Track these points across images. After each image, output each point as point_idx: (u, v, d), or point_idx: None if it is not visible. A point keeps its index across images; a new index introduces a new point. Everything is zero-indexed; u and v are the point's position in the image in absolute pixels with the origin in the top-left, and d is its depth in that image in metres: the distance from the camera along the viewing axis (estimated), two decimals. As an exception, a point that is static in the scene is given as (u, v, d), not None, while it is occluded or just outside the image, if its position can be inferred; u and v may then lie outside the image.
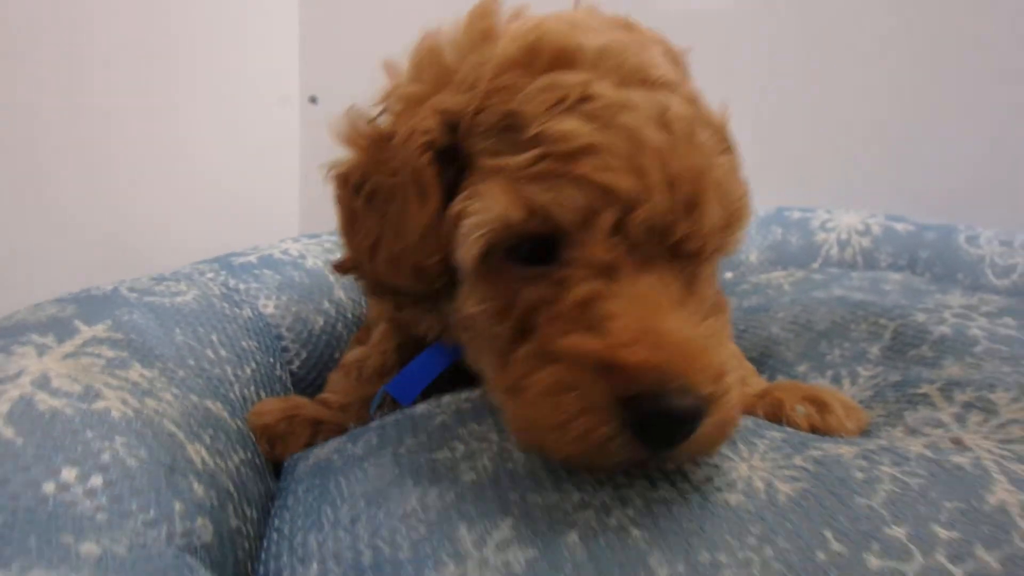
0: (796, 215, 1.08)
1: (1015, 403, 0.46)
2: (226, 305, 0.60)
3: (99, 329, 0.48)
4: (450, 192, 0.38)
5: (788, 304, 0.75)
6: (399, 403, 0.48)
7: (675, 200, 0.35)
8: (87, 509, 0.34)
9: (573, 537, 0.32)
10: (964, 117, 1.25)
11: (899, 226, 1.04)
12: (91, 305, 0.51)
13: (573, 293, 0.35)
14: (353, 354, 0.57)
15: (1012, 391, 0.47)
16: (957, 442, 0.39)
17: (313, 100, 1.27)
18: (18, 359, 0.41)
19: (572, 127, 0.35)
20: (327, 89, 1.26)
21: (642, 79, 0.37)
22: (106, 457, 0.36)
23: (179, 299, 0.56)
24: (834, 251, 1.03)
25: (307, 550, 0.36)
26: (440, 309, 0.44)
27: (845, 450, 0.39)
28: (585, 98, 0.35)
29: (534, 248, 0.36)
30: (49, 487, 0.34)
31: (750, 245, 1.05)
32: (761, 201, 1.09)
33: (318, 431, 0.49)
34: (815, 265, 1.02)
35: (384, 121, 0.43)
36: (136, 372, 0.45)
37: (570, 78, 0.36)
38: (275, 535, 0.38)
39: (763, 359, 0.69)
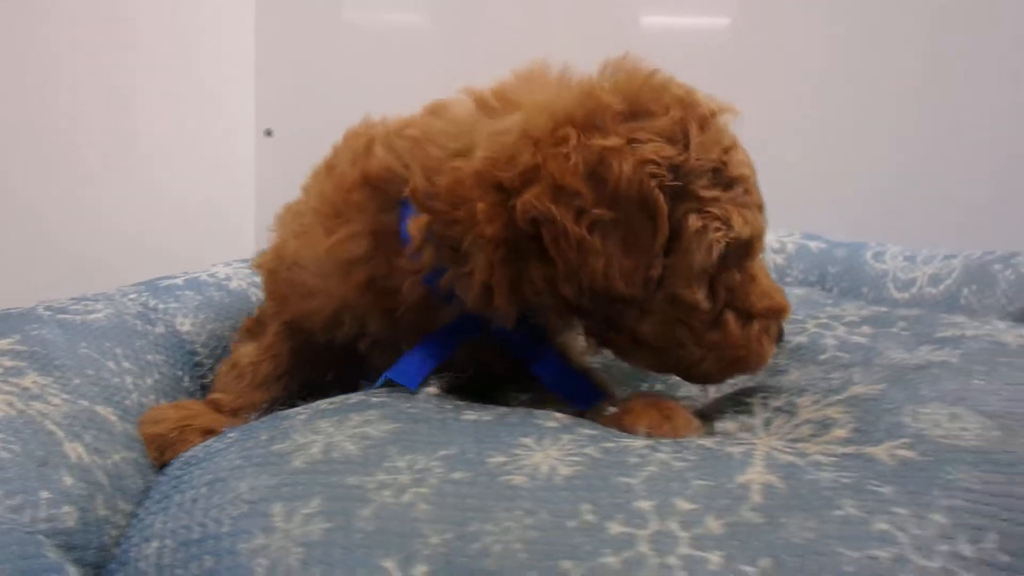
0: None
1: (814, 405, 0.51)
2: (138, 323, 0.65)
3: (4, 343, 0.54)
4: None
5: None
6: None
7: None
8: (-43, 494, 0.39)
9: (366, 512, 0.37)
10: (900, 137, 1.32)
11: (812, 244, 1.10)
12: (5, 322, 0.57)
13: (757, 276, 0.53)
14: (246, 354, 0.62)
15: (817, 395, 0.52)
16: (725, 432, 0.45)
17: (268, 133, 1.33)
18: (-81, 368, 0.47)
19: (750, 171, 0.51)
20: (281, 123, 1.33)
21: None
22: (-20, 451, 0.42)
23: (91, 316, 0.62)
24: (750, 269, 1.09)
25: (152, 530, 0.41)
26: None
27: (637, 443, 0.44)
28: (739, 147, 0.52)
29: (733, 253, 0.50)
30: (-76, 475, 0.39)
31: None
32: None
33: (209, 438, 0.54)
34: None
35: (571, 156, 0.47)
36: (30, 380, 0.50)
37: (727, 135, 0.51)
38: (133, 520, 0.44)
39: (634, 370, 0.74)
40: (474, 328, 0.56)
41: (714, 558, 0.34)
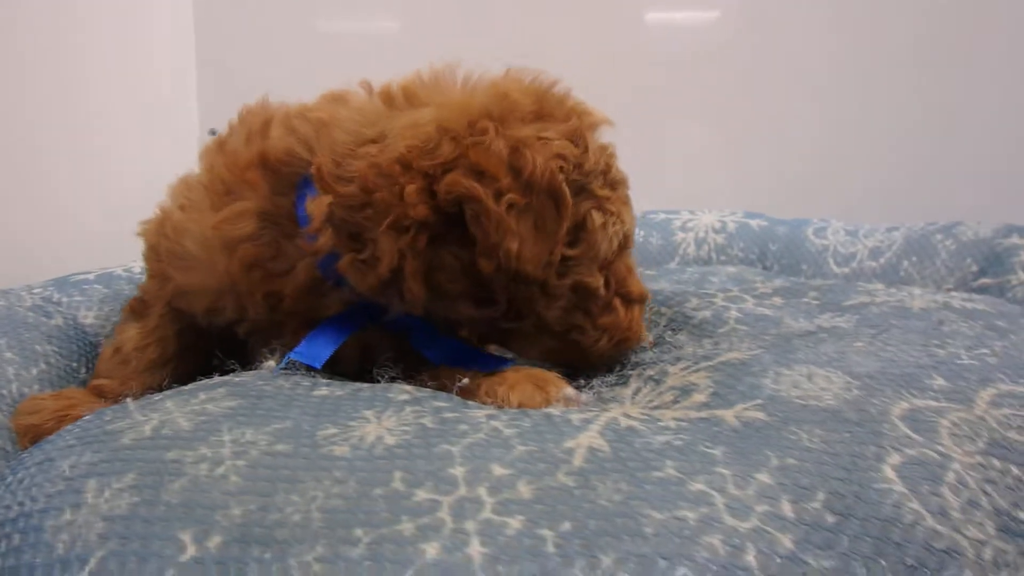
0: (660, 217, 1.12)
1: (682, 372, 0.50)
2: (31, 314, 0.65)
3: None
4: None
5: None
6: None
7: None
8: None
9: (176, 485, 0.37)
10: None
11: (753, 223, 1.08)
12: None
13: (630, 266, 0.58)
14: (130, 338, 0.61)
15: (688, 362, 0.51)
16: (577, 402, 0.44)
17: (213, 133, 1.33)
18: None
19: (623, 175, 0.57)
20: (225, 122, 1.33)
21: None
22: None
23: (-18, 309, 0.62)
24: (691, 249, 1.07)
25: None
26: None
27: (481, 413, 0.43)
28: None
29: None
30: None
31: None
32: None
33: None
34: (672, 264, 1.07)
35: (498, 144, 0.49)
36: None
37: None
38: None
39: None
40: (370, 315, 0.56)
41: (514, 523, 0.33)
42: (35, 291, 0.71)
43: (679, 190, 1.32)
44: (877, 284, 0.73)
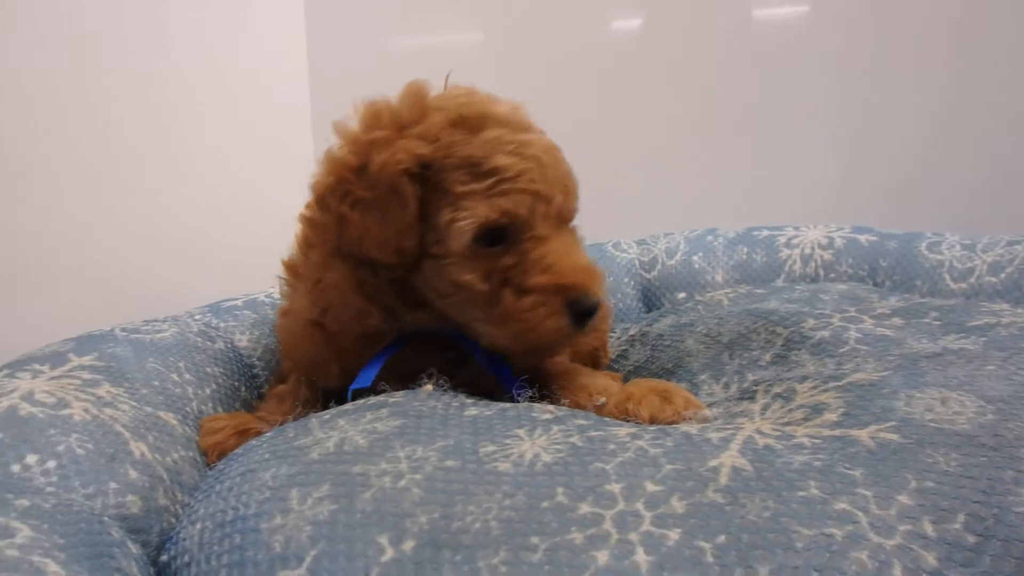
0: (764, 234, 1.13)
1: (811, 391, 0.52)
2: (199, 339, 0.74)
3: (86, 359, 0.62)
4: (422, 204, 0.58)
5: (708, 319, 0.82)
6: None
7: (564, 194, 0.60)
8: (40, 484, 0.47)
9: (367, 495, 0.42)
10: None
11: (862, 238, 1.07)
12: (86, 342, 0.66)
13: (531, 255, 0.57)
14: (280, 388, 0.71)
15: (817, 382, 0.53)
16: (706, 419, 0.47)
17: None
18: (16, 381, 0.56)
19: (511, 161, 0.57)
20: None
21: (527, 128, 0.61)
22: (61, 448, 0.49)
23: (159, 335, 0.71)
24: (797, 266, 1.08)
25: (197, 515, 0.47)
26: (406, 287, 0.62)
27: (622, 431, 0.47)
28: (508, 143, 0.57)
29: (495, 236, 0.57)
30: (15, 468, 0.47)
31: (716, 265, 1.11)
32: (737, 221, 1.16)
33: None
34: (779, 281, 1.07)
35: (348, 156, 0.59)
36: (104, 389, 0.58)
37: (496, 132, 0.58)
38: (185, 510, 0.50)
39: (675, 369, 0.76)
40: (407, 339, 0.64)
41: (673, 535, 0.37)
42: (196, 317, 0.80)
43: (781, 204, 1.32)
44: (1002, 304, 0.73)
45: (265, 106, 1.34)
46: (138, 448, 0.54)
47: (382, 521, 0.40)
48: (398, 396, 0.56)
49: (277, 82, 1.40)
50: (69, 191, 0.87)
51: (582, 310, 0.56)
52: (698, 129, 1.44)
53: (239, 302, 0.86)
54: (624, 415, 0.55)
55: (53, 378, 0.57)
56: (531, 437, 0.47)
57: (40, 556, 0.38)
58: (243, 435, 0.62)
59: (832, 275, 1.05)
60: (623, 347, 0.90)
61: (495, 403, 0.54)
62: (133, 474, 0.51)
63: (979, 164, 1.36)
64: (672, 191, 1.43)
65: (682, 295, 1.04)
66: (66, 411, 0.53)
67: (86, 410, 0.54)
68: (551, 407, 0.52)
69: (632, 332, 0.94)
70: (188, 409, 0.64)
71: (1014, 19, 1.35)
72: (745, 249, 1.11)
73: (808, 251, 1.09)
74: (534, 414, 0.51)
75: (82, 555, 0.40)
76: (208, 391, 0.68)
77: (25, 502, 0.43)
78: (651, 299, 1.13)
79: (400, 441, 0.47)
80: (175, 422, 0.60)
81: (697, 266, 1.11)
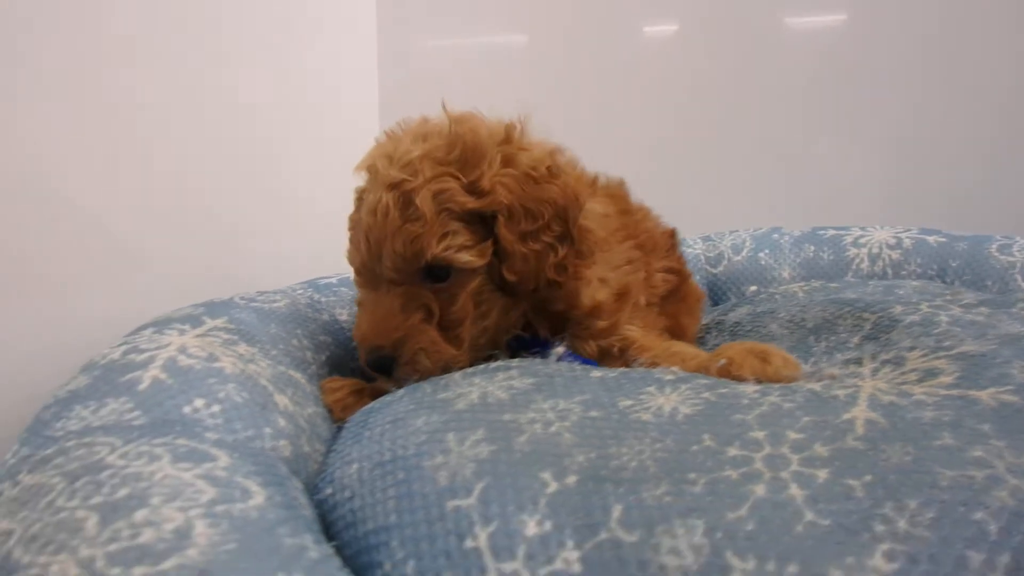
0: (830, 233, 1.16)
1: (922, 358, 0.55)
2: (309, 311, 0.78)
3: (219, 322, 0.66)
4: None
5: (789, 307, 0.85)
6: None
7: (370, 254, 0.63)
8: (210, 424, 0.51)
9: (522, 439, 0.46)
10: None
11: (931, 239, 1.09)
12: (214, 307, 0.70)
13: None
14: None
15: (926, 351, 0.56)
16: (832, 376, 0.50)
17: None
18: (167, 336, 0.60)
19: (355, 216, 0.68)
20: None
21: (386, 183, 0.62)
22: (222, 395, 0.54)
23: (274, 305, 0.75)
24: (864, 264, 1.10)
25: (351, 456, 0.51)
26: None
27: (748, 388, 0.50)
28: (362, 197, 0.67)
29: None
30: (187, 409, 0.51)
31: (782, 262, 1.14)
32: (798, 223, 1.19)
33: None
34: (848, 278, 1.09)
35: None
36: (242, 348, 0.62)
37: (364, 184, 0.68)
38: (331, 454, 0.54)
39: (760, 351, 0.79)
40: None
41: (822, 474, 0.40)
42: (298, 291, 0.84)
43: (839, 207, 1.34)
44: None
45: (334, 106, 1.39)
46: (281, 400, 0.58)
47: (541, 459, 0.44)
48: (521, 361, 0.59)
49: (347, 83, 1.45)
50: (150, 189, 0.91)
51: (370, 364, 0.63)
52: (755, 131, 1.47)
53: (333, 280, 0.90)
54: (726, 375, 0.58)
55: (198, 336, 0.62)
56: (663, 393, 0.50)
57: (242, 478, 0.43)
58: (359, 394, 0.66)
59: (902, 274, 1.07)
60: (699, 335, 0.93)
61: (617, 369, 0.57)
62: (282, 422, 0.55)
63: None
64: (734, 190, 1.46)
65: (753, 288, 1.06)
66: (218, 364, 0.57)
67: (233, 364, 0.59)
68: (672, 369, 0.55)
69: (705, 321, 0.97)
70: (310, 371, 0.68)
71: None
72: (812, 247, 1.14)
73: (876, 250, 1.11)
74: (656, 375, 0.54)
75: (270, 481, 0.44)
76: (324, 357, 0.72)
77: (213, 435, 0.48)
78: (717, 293, 1.16)
79: (540, 395, 0.51)
80: (304, 381, 0.65)
81: (764, 262, 1.14)
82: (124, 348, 0.58)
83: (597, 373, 0.55)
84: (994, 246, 1.05)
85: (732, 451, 0.42)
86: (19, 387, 0.70)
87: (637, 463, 0.43)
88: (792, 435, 0.43)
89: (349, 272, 0.94)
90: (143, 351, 0.57)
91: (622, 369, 0.57)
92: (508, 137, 0.65)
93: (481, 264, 0.62)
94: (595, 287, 0.68)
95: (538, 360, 0.59)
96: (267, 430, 0.53)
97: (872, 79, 1.43)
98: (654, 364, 0.65)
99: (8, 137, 0.68)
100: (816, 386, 0.50)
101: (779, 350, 0.58)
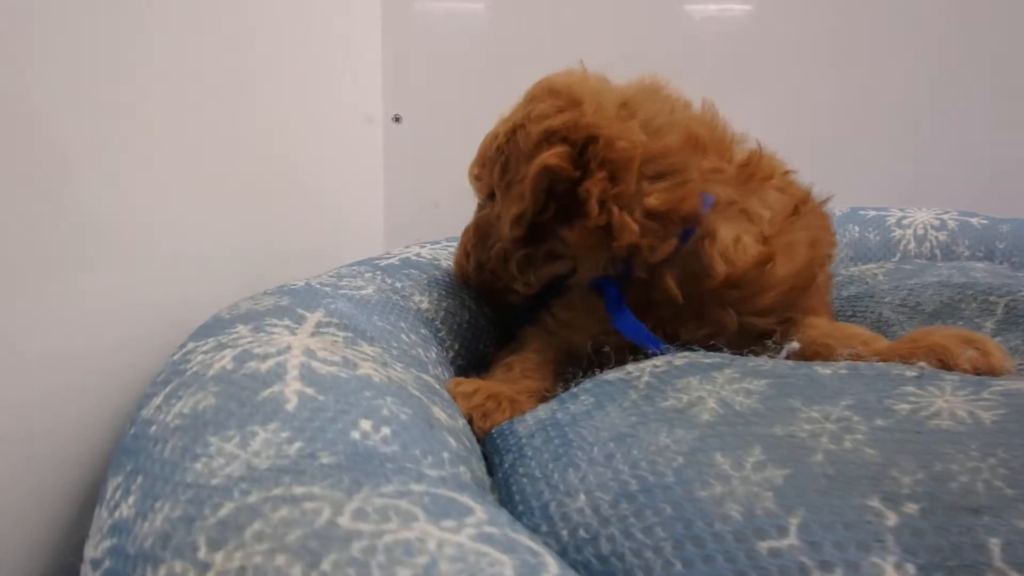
0: (871, 214, 1.13)
1: None
2: (399, 299, 0.66)
3: (319, 315, 0.54)
4: None
5: (890, 290, 0.80)
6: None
7: None
8: (387, 453, 0.39)
9: (816, 459, 0.37)
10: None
11: (973, 220, 1.09)
12: (299, 296, 0.57)
13: None
14: (513, 357, 0.66)
15: None
16: None
17: (397, 119, 1.34)
18: (278, 336, 0.47)
19: None
20: (409, 109, 1.34)
21: None
22: (385, 412, 0.42)
23: (363, 292, 0.63)
24: (912, 246, 1.08)
25: (569, 485, 0.41)
26: None
27: (1020, 385, 0.44)
28: None
29: None
30: (356, 435, 0.39)
31: (830, 242, 1.10)
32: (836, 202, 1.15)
33: (516, 409, 0.55)
34: (895, 259, 1.07)
35: None
36: (367, 348, 0.50)
37: None
38: (524, 480, 0.44)
39: (879, 339, 0.74)
40: None
41: None
42: (366, 275, 0.71)
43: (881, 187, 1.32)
44: None
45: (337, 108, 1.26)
46: (440, 414, 0.47)
47: (856, 484, 0.36)
48: (714, 357, 0.51)
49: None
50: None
51: None
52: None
53: (395, 260, 0.77)
54: (938, 364, 0.51)
55: (313, 335, 0.49)
56: (940, 393, 0.43)
57: (514, 534, 0.32)
58: (496, 399, 0.55)
59: (951, 255, 1.06)
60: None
61: (827, 363, 0.50)
62: (452, 442, 0.44)
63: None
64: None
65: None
66: (361, 371, 0.45)
67: (376, 370, 0.47)
68: (916, 365, 0.48)
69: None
70: (430, 374, 0.57)
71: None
72: (857, 228, 1.11)
73: (921, 232, 1.09)
74: (896, 372, 0.47)
75: (524, 532, 0.34)
76: (433, 354, 0.61)
77: (414, 468, 0.36)
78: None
79: (797, 400, 0.42)
80: (437, 386, 0.53)
81: (809, 244, 1.10)
82: (232, 353, 0.45)
83: (824, 370, 0.47)
84: (1033, 227, 1.06)
85: (1086, 466, 0.36)
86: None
87: (983, 484, 0.35)
88: None
89: (402, 254, 0.82)
90: (262, 357, 0.44)
91: (840, 364, 0.49)
92: None
93: None
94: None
95: (765, 360, 0.51)
96: (445, 455, 0.42)
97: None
98: (826, 346, 0.58)
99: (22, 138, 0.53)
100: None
101: (990, 339, 0.52)
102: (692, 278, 0.60)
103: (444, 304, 0.73)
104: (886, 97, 1.42)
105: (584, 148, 0.57)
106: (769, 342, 0.60)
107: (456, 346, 0.71)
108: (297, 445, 0.37)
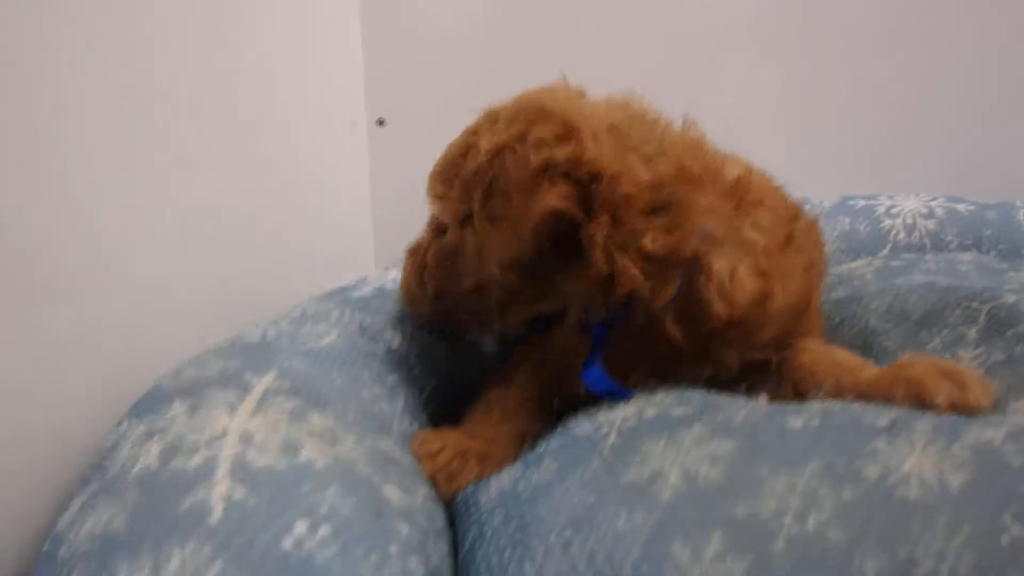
0: (861, 203, 1.10)
1: None
2: (364, 341, 0.63)
3: (269, 379, 0.52)
4: None
5: (877, 294, 0.77)
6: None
7: None
8: (324, 559, 0.37)
9: (778, 547, 0.35)
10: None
11: (960, 207, 1.06)
12: (252, 356, 0.55)
13: None
14: (494, 393, 0.62)
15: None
16: None
17: (380, 123, 1.31)
18: (215, 419, 0.45)
19: None
20: (393, 111, 1.31)
21: None
22: (324, 510, 0.40)
23: (325, 342, 0.60)
24: (901, 236, 1.05)
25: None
26: None
27: (991, 434, 0.41)
28: None
29: None
30: (287, 544, 0.37)
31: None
32: (825, 191, 1.12)
33: (485, 466, 0.53)
34: (884, 251, 1.04)
35: None
36: (316, 420, 0.48)
37: None
38: (481, 567, 0.42)
39: (865, 349, 0.71)
40: None
41: None
42: (333, 312, 0.67)
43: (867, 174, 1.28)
44: None
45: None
46: (392, 493, 0.45)
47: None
48: (686, 405, 0.48)
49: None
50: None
51: None
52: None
53: (367, 291, 0.73)
54: (914, 400, 0.49)
55: (255, 412, 0.47)
56: (910, 451, 0.40)
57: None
58: (464, 457, 0.53)
59: (941, 245, 1.03)
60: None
61: (801, 407, 0.47)
62: (404, 529, 0.43)
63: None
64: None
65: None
66: (302, 458, 0.43)
67: (320, 451, 0.45)
68: (890, 410, 0.45)
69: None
70: (394, 431, 0.54)
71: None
72: (847, 219, 1.08)
73: (910, 221, 1.06)
74: (867, 419, 0.44)
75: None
76: (400, 405, 0.58)
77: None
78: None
79: (763, 468, 0.40)
80: (397, 450, 0.51)
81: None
82: (159, 446, 0.43)
83: (794, 421, 0.45)
84: (1021, 214, 1.03)
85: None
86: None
87: (947, 569, 0.33)
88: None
89: (376, 282, 0.79)
90: (191, 450, 0.42)
91: (813, 410, 0.47)
92: None
93: None
94: None
95: (715, 400, 0.49)
96: (392, 548, 0.40)
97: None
98: (812, 371, 0.55)
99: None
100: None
101: (972, 372, 0.50)
102: (690, 318, 0.55)
103: (418, 338, 0.69)
104: (874, 79, 1.37)
105: (586, 185, 0.51)
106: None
107: (433, 381, 0.67)
108: (217, 566, 0.35)
